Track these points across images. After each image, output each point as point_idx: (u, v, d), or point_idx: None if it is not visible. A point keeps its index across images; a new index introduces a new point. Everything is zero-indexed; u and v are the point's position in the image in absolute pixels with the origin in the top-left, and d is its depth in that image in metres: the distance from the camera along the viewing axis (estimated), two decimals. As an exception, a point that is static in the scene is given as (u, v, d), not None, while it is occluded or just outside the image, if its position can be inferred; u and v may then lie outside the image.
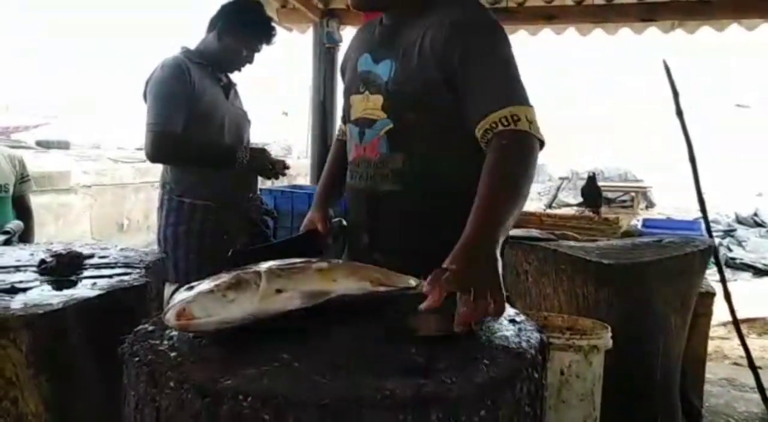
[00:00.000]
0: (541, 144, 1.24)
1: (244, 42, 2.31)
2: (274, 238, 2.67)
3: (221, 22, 2.29)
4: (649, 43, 4.35)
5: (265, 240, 2.44)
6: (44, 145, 9.27)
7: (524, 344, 0.88)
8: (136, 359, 0.81)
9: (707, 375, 2.83)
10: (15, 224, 2.23)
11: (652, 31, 4.05)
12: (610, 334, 1.57)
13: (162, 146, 2.16)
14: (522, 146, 1.21)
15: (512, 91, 1.26)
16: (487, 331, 0.93)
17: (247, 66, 2.39)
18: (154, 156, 2.19)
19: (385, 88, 1.37)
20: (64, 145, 9.61)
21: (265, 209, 2.55)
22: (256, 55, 2.38)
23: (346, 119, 1.53)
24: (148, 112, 2.19)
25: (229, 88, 2.40)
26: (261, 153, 2.33)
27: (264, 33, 2.35)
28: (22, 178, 2.66)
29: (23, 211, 2.61)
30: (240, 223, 2.33)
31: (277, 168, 2.33)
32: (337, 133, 1.75)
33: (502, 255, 1.03)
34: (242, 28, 2.29)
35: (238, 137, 2.37)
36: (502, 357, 0.83)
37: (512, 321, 1.00)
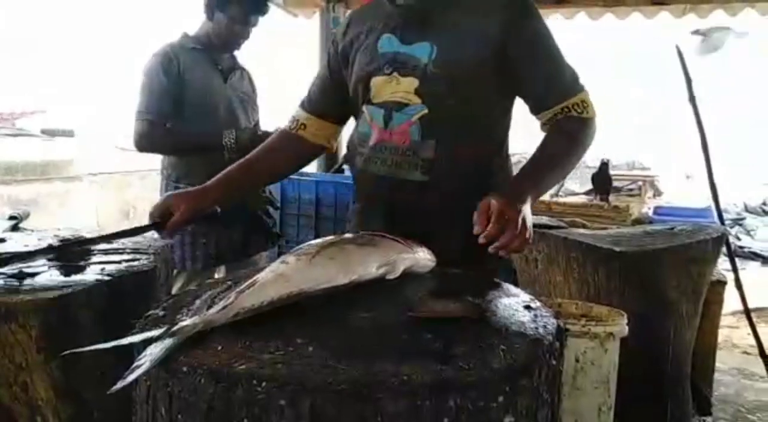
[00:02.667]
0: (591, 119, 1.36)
1: (235, 15, 2.25)
2: (278, 228, 2.63)
3: None
4: (660, 28, 4.28)
5: (264, 230, 2.41)
6: (49, 132, 9.26)
7: (541, 330, 0.87)
8: (147, 344, 0.79)
9: (717, 364, 2.81)
10: (23, 210, 2.22)
11: (664, 16, 3.99)
12: (626, 321, 1.55)
13: (147, 136, 2.19)
14: (588, 132, 1.33)
15: (577, 78, 1.35)
16: (503, 317, 0.92)
17: (245, 43, 2.34)
18: (140, 146, 2.21)
19: (423, 71, 1.31)
20: (68, 133, 9.59)
21: (267, 198, 2.50)
22: (253, 30, 2.33)
23: (362, 101, 1.41)
24: (136, 102, 2.21)
25: (230, 71, 2.36)
26: (246, 133, 2.22)
27: (253, 3, 2.28)
28: None
29: None
30: (236, 212, 2.28)
31: None
32: (288, 123, 1.55)
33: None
34: (229, 1, 2.22)
35: (234, 122, 2.31)
36: (519, 343, 0.81)
37: (528, 307, 0.98)
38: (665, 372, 2.14)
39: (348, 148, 1.51)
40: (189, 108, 2.21)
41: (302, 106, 1.54)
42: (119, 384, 0.74)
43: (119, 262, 1.32)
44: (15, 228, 1.81)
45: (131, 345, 0.81)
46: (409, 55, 1.33)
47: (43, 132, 9.27)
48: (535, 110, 1.36)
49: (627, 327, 1.56)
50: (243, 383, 0.69)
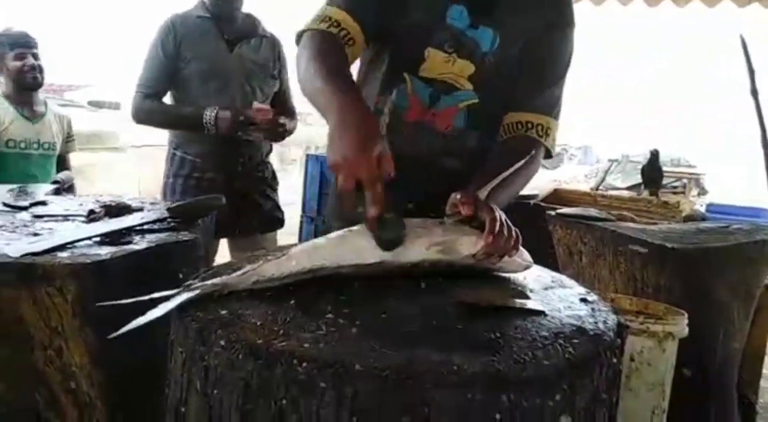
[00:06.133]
0: (548, 154, 1.30)
1: None
2: (304, 208, 2.58)
3: None
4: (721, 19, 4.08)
5: (257, 213, 2.34)
6: (95, 104, 9.47)
7: (601, 325, 0.81)
8: (185, 315, 0.76)
9: (763, 371, 2.69)
10: (65, 175, 2.25)
11: (726, 5, 3.80)
12: (686, 321, 1.46)
13: (139, 109, 2.20)
14: (538, 161, 1.27)
15: (559, 105, 1.31)
16: (559, 310, 0.86)
17: (242, 4, 2.27)
18: (135, 118, 2.23)
19: (481, 58, 1.25)
20: (114, 106, 9.81)
21: (261, 179, 2.37)
22: None
23: (405, 67, 1.27)
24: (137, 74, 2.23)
25: (238, 41, 2.26)
26: (227, 111, 2.10)
27: None
28: (68, 138, 2.74)
29: (64, 169, 2.68)
30: (223, 191, 2.01)
31: (260, 121, 2.10)
32: (325, 24, 1.18)
33: None
34: None
35: (244, 92, 2.24)
36: (578, 339, 0.75)
37: (584, 300, 0.92)
38: (711, 376, 2.04)
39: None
40: (185, 80, 2.19)
41: (352, 11, 1.19)
42: (125, 328, 0.75)
43: (160, 231, 1.30)
44: (57, 192, 1.82)
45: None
46: (471, 37, 1.26)
47: (90, 104, 9.49)
48: (509, 106, 1.29)
49: (687, 328, 1.47)
50: (283, 361, 0.65)
